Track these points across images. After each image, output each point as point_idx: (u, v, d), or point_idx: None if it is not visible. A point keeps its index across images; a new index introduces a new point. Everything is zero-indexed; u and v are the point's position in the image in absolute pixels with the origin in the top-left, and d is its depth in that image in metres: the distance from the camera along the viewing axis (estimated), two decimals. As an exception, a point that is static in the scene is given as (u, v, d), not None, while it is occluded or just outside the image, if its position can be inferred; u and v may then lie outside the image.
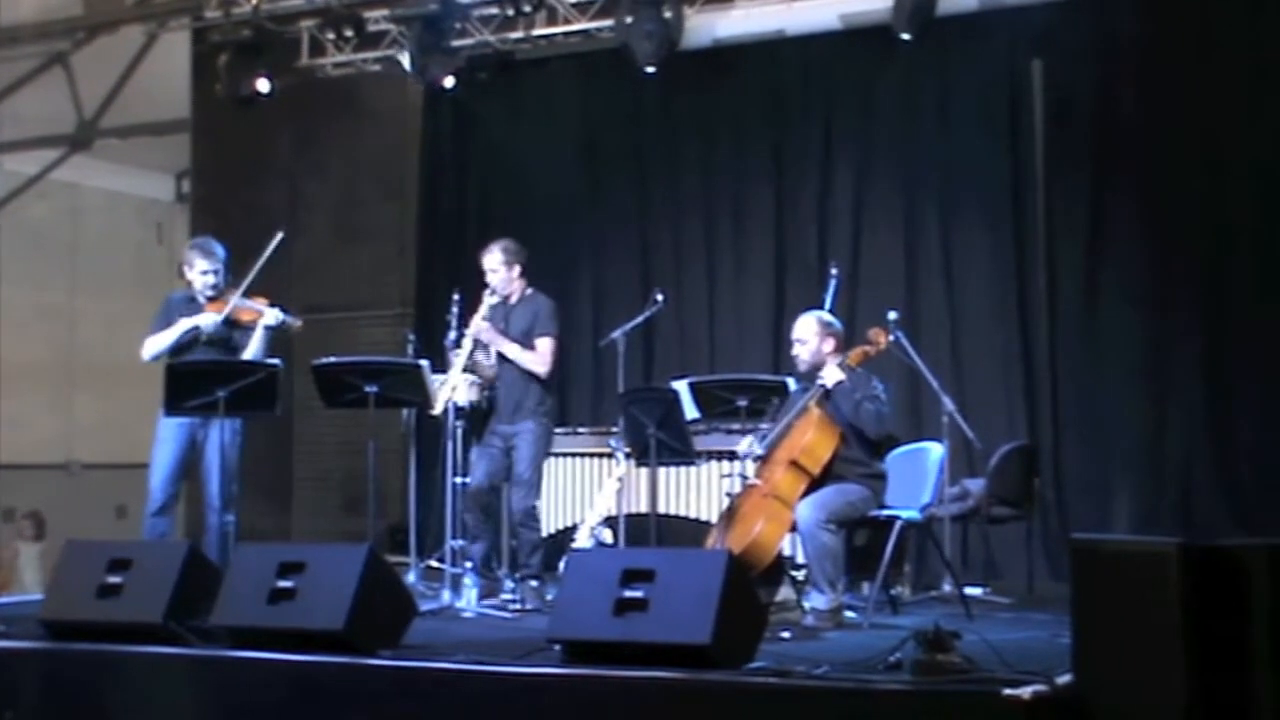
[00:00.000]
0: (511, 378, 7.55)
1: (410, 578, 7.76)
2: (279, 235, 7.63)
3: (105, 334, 13.91)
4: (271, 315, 7.52)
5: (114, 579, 5.87)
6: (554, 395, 7.85)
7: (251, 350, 7.48)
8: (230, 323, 7.51)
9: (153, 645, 5.59)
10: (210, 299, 7.58)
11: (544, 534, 7.84)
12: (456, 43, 10.19)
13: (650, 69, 9.44)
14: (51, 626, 5.92)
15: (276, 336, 7.62)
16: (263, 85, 10.17)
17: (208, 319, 7.47)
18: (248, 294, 7.58)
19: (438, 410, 7.44)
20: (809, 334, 7.05)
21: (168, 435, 7.47)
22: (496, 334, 7.51)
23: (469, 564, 7.46)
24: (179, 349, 7.52)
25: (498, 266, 7.58)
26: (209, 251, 7.65)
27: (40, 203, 14.16)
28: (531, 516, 7.54)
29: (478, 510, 7.56)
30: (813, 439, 6.73)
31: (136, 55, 12.47)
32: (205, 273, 7.58)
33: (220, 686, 5.45)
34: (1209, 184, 8.90)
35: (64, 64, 12.79)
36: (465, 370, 7.47)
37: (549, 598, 7.07)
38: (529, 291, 7.69)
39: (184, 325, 7.49)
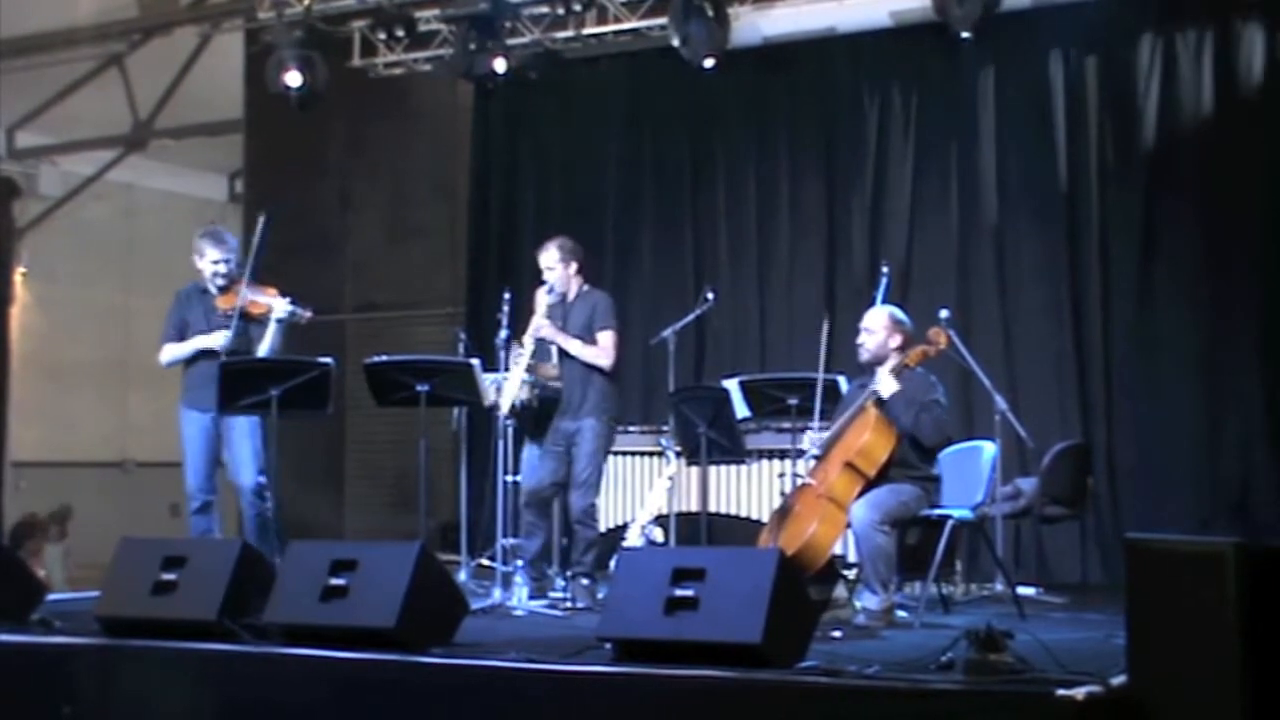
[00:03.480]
0: (574, 375, 7.50)
1: (461, 576, 7.79)
2: (262, 219, 7.60)
3: (159, 333, 14.04)
4: (280, 308, 7.48)
5: (169, 576, 5.90)
6: (618, 392, 7.78)
7: (265, 345, 7.49)
8: (244, 316, 7.50)
9: (207, 642, 5.63)
10: (222, 289, 7.59)
11: (601, 532, 7.86)
12: (507, 42, 10.20)
13: (709, 62, 9.40)
14: (107, 623, 5.97)
15: (290, 328, 7.58)
16: (293, 79, 10.10)
17: (217, 339, 7.46)
18: (254, 284, 7.57)
19: (505, 409, 7.43)
20: (878, 325, 6.97)
21: (191, 433, 7.55)
22: (558, 331, 7.49)
23: (520, 562, 7.47)
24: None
25: (555, 264, 7.55)
26: (220, 240, 7.63)
27: (96, 203, 14.33)
28: (590, 515, 7.51)
29: (536, 506, 7.57)
30: (869, 440, 6.66)
31: (190, 57, 12.60)
32: (216, 262, 7.57)
33: (273, 683, 5.47)
34: (1266, 182, 8.80)
35: (119, 66, 12.93)
36: (526, 370, 7.48)
37: (600, 596, 7.08)
38: (585, 288, 7.64)
39: (197, 343, 7.52)
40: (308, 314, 7.57)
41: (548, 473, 7.54)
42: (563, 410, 7.53)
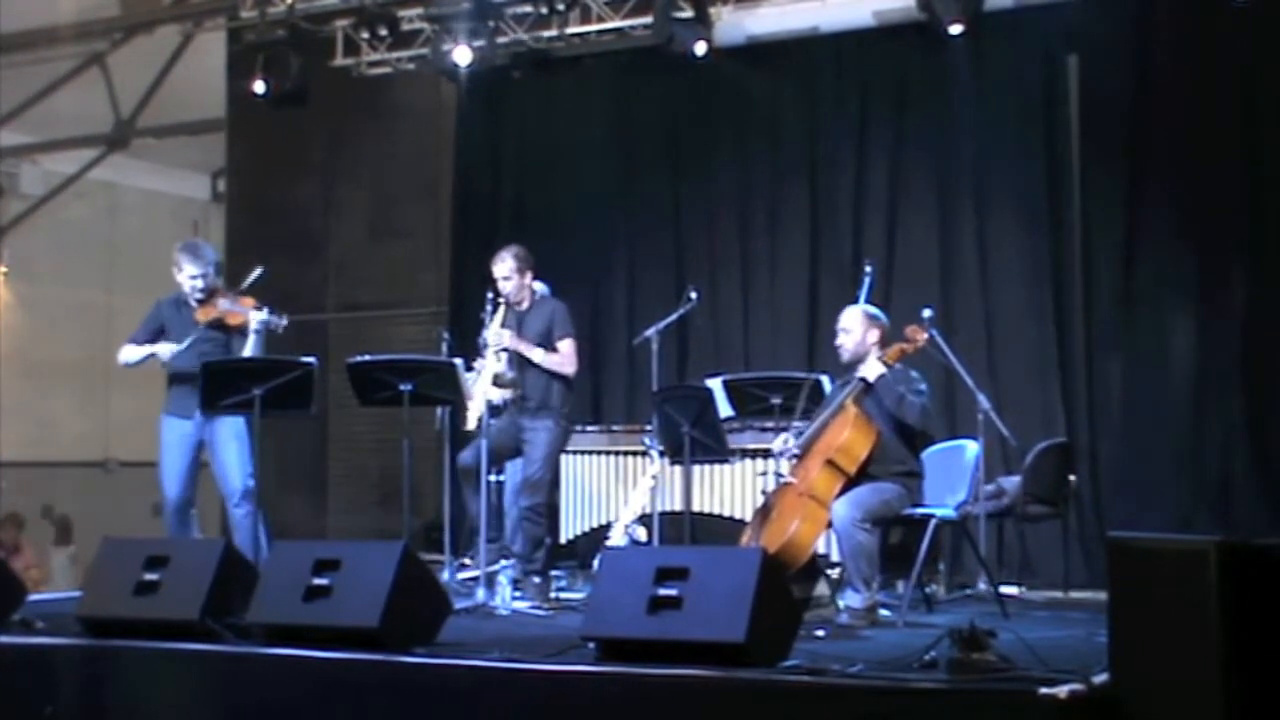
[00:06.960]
0: (535, 378, 7.63)
1: (445, 575, 7.77)
2: (258, 271, 7.66)
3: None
4: (256, 319, 7.46)
5: (151, 576, 5.88)
6: (574, 397, 7.96)
7: (247, 352, 7.49)
8: (223, 328, 7.54)
9: (189, 642, 5.61)
10: (200, 302, 7.60)
11: (548, 533, 7.89)
12: (496, 40, 10.18)
13: (700, 48, 9.38)
14: (89, 623, 5.95)
15: (269, 336, 7.58)
16: (258, 87, 10.18)
17: (165, 349, 7.46)
18: (232, 295, 7.60)
19: (471, 424, 7.43)
20: (854, 324, 6.99)
21: (172, 440, 7.54)
22: (521, 342, 7.57)
23: (505, 561, 7.48)
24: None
25: (510, 274, 7.65)
26: (197, 255, 7.63)
27: (78, 202, 14.28)
28: (536, 512, 7.57)
29: (472, 483, 7.49)
30: (849, 438, 6.68)
31: (173, 55, 12.57)
32: (194, 277, 7.56)
33: (255, 684, 5.46)
34: (1247, 180, 8.83)
35: (101, 64, 12.89)
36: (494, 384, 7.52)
37: (553, 595, 7.23)
38: (538, 296, 7.80)
39: (148, 350, 7.52)
40: (284, 322, 7.55)
41: (488, 441, 7.35)
42: (521, 408, 7.64)
